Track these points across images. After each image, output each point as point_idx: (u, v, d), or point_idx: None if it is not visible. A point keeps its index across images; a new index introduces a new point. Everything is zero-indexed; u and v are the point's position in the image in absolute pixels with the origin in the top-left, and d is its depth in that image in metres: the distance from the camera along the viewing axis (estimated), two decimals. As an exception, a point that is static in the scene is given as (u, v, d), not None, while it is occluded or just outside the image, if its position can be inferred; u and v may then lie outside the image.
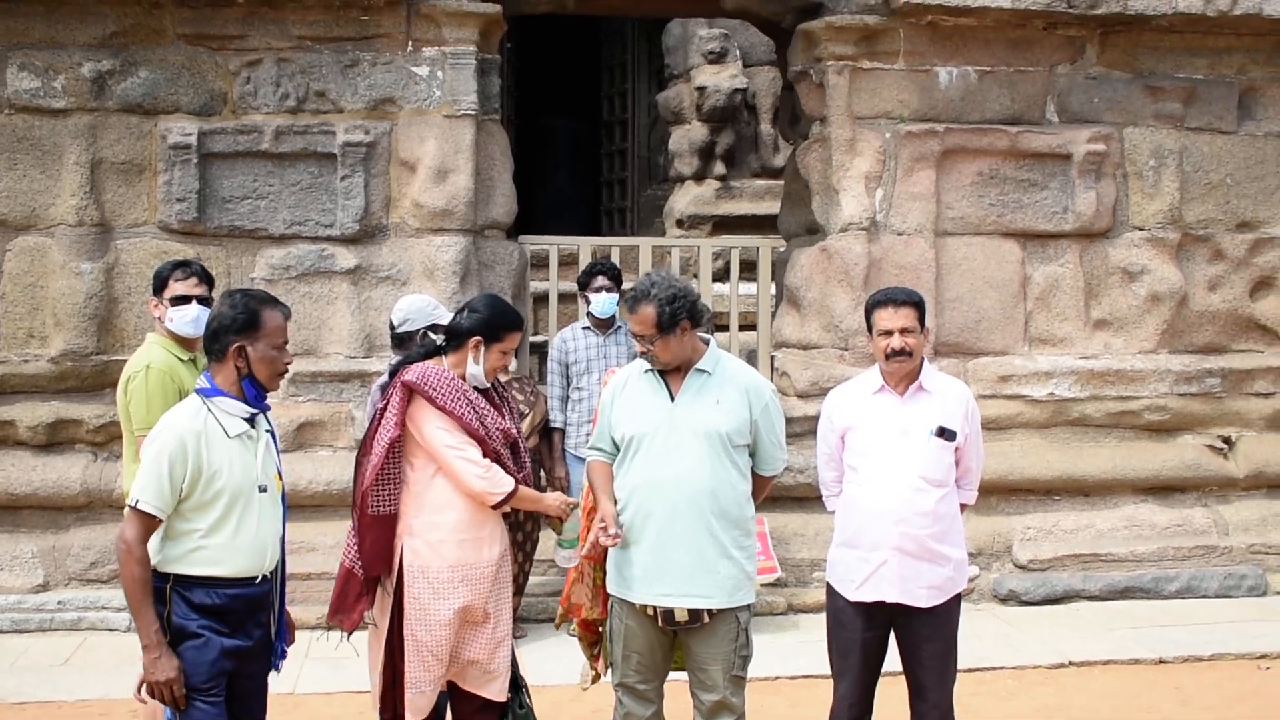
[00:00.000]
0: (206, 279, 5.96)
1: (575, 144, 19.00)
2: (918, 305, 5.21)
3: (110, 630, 8.29)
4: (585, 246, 10.44)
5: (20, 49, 8.79)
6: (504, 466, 5.03)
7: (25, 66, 8.79)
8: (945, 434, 5.14)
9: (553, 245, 10.58)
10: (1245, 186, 9.98)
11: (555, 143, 18.95)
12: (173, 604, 4.38)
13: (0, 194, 8.81)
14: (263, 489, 4.51)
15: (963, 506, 5.33)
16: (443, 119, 9.01)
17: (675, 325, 4.98)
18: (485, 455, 4.99)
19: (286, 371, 4.61)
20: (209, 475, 4.37)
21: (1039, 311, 9.75)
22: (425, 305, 6.74)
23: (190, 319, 5.72)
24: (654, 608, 5.02)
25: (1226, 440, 9.91)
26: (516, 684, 5.26)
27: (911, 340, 5.12)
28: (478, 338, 5.05)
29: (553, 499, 5.37)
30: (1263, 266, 10.04)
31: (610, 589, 5.20)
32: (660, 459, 5.00)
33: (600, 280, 8.47)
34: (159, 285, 5.88)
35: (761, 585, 6.26)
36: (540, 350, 11.10)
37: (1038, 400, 9.61)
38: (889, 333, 5.14)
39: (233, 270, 8.99)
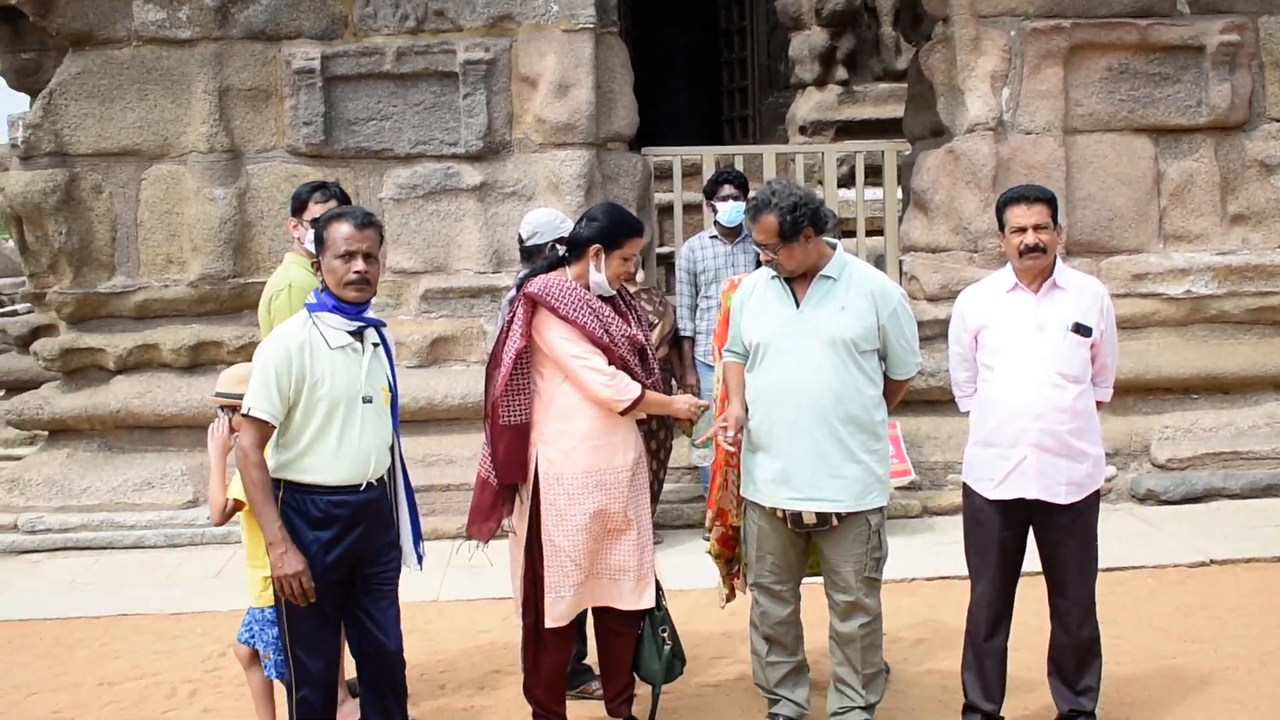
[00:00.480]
0: (344, 200, 6.05)
1: (694, 54, 18.85)
2: (1050, 201, 5.12)
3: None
4: (708, 156, 10.40)
5: (146, -19, 8.95)
6: (631, 373, 5.05)
7: (151, -2, 8.94)
8: (1081, 330, 5.08)
9: (676, 156, 10.56)
10: (1387, 70, 9.63)
11: (674, 54, 18.82)
12: (283, 512, 4.55)
13: (132, 124, 9.02)
14: (367, 399, 4.62)
15: (1098, 404, 5.26)
16: (561, 33, 9.02)
17: (798, 233, 4.95)
18: (611, 363, 5.01)
19: (357, 279, 4.58)
20: (311, 383, 4.52)
21: (1173, 208, 9.54)
22: (553, 219, 6.76)
23: None
24: (783, 511, 5.05)
25: (1369, 332, 9.65)
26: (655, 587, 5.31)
27: (1045, 236, 5.05)
28: (597, 245, 5.06)
29: (682, 401, 5.36)
30: (1405, 153, 9.70)
31: (743, 492, 5.24)
32: (785, 365, 5.01)
33: (727, 189, 8.42)
34: (298, 207, 5.97)
35: (895, 489, 6.25)
36: (667, 261, 11.12)
37: (1174, 298, 9.43)
38: (1022, 229, 5.06)
39: (361, 191, 9.12)
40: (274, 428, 4.54)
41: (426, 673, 6.21)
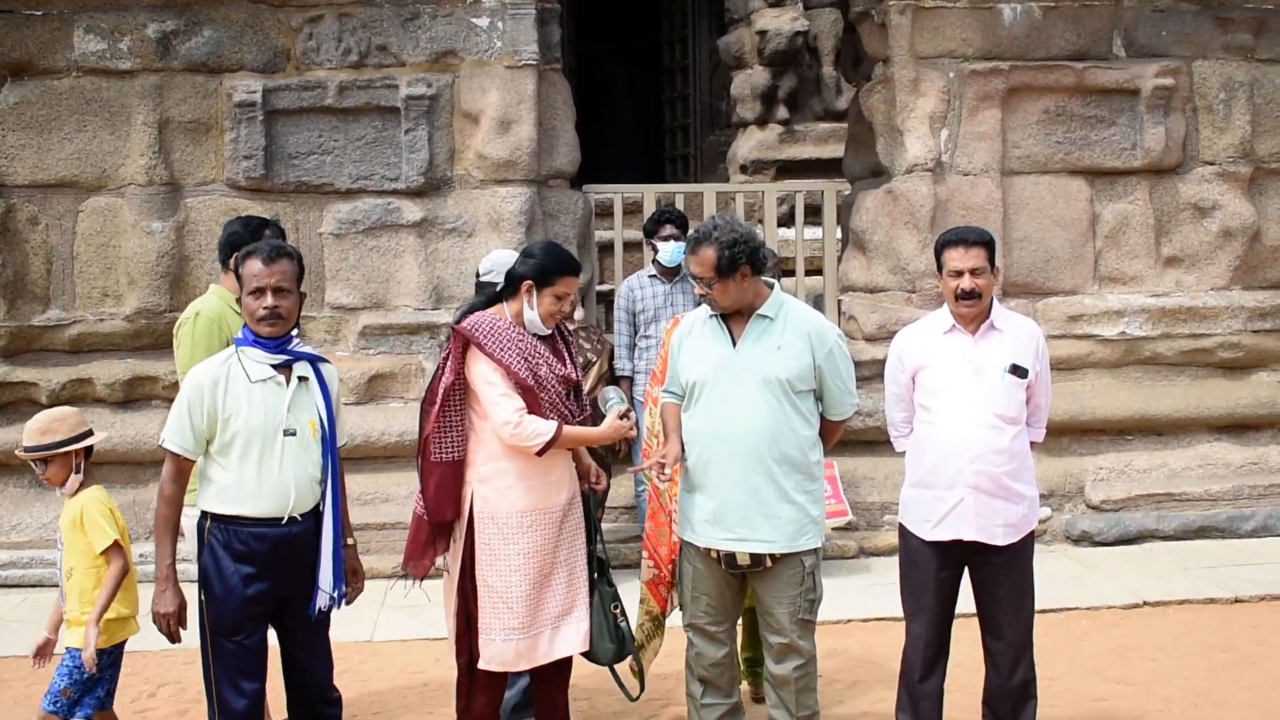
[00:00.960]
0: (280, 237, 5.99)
1: (636, 91, 18.92)
2: (988, 245, 5.18)
3: (191, 582, 8.41)
4: (649, 194, 10.43)
5: (86, 11, 8.89)
6: (562, 413, 5.02)
7: (91, 29, 8.88)
8: (1018, 371, 5.12)
9: (617, 194, 10.57)
10: (1319, 118, 9.80)
11: (616, 90, 18.88)
12: (208, 543, 4.66)
13: (71, 155, 8.93)
14: (290, 433, 4.65)
15: (1032, 444, 5.30)
16: (504, 70, 9.02)
17: (735, 270, 4.95)
18: (536, 404, 4.98)
19: (267, 314, 4.61)
20: (225, 417, 4.60)
21: (1108, 250, 9.64)
22: (511, 258, 6.75)
23: None
24: (717, 551, 5.04)
25: (1303, 377, 9.79)
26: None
27: (981, 281, 5.10)
28: (529, 282, 5.06)
29: (603, 427, 5.18)
30: (1338, 200, 9.87)
31: (678, 531, 5.24)
32: (721, 405, 5.00)
33: (668, 229, 8.43)
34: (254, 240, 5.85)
35: (832, 529, 6.26)
36: (607, 299, 11.11)
37: (1109, 339, 9.52)
38: (959, 273, 5.11)
39: (300, 225, 9.07)
40: (190, 460, 4.63)
41: (359, 714, 6.15)
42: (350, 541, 5.02)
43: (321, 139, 9.06)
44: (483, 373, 4.97)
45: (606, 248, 11.51)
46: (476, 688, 5.09)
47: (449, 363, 5.02)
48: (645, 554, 5.80)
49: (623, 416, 5.15)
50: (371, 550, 8.32)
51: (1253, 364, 9.73)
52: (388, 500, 8.62)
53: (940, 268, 5.24)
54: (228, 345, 5.18)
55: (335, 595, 4.80)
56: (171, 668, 6.88)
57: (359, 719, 6.09)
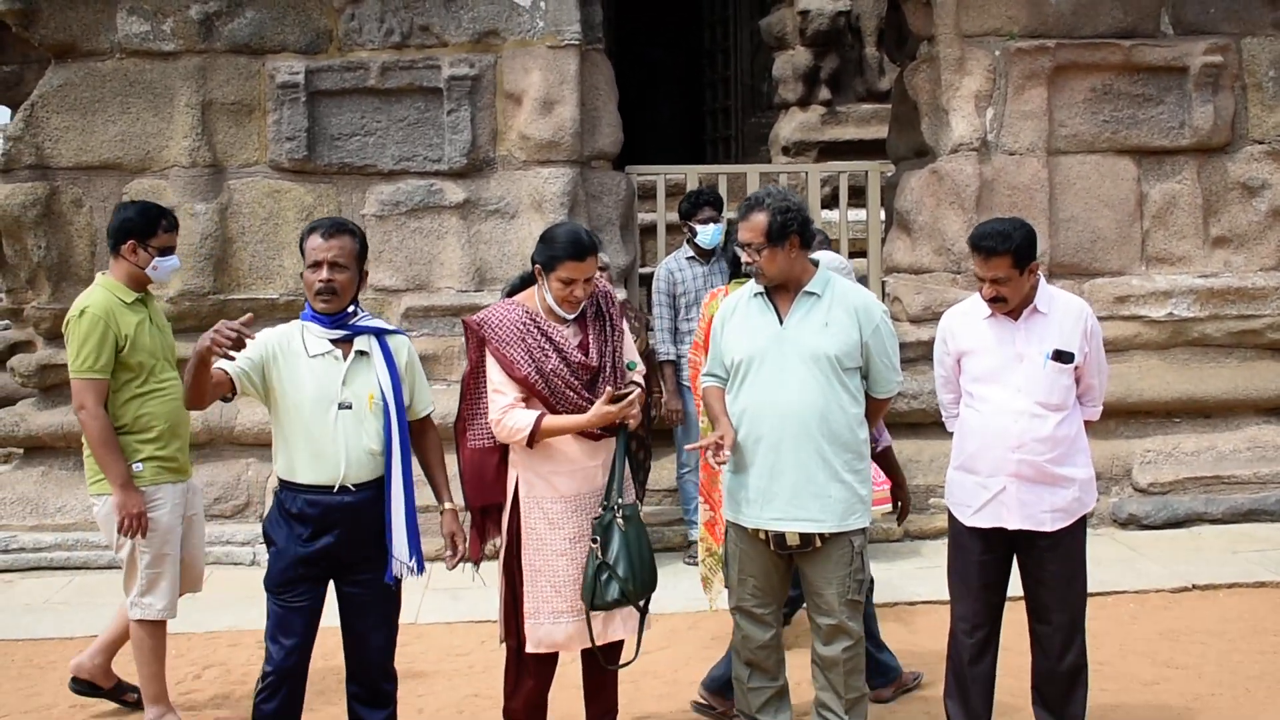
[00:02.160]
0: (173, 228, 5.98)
1: (678, 74, 18.86)
2: (1013, 252, 4.97)
3: (234, 564, 8.49)
4: (692, 175, 10.37)
5: (129, -7, 8.90)
6: (578, 404, 4.94)
7: (134, 10, 8.89)
8: (1062, 357, 5.01)
9: (660, 175, 10.52)
10: (1371, 95, 9.66)
11: (658, 73, 18.83)
12: (274, 502, 4.84)
13: (114, 138, 8.96)
14: (345, 406, 4.72)
15: (1087, 423, 5.21)
16: (546, 50, 8.99)
17: (785, 238, 4.92)
18: (540, 398, 4.92)
19: (324, 288, 4.69)
20: (280, 382, 4.72)
21: (1156, 230, 9.54)
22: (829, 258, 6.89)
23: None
24: (765, 532, 4.99)
25: (1352, 358, 9.67)
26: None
27: (1005, 290, 4.98)
28: (538, 266, 5.02)
29: (589, 414, 4.92)
30: (1389, 178, 9.74)
31: (724, 513, 5.19)
32: (769, 383, 4.95)
33: (706, 211, 8.38)
34: (147, 229, 5.77)
35: (882, 514, 6.26)
36: (649, 281, 11.07)
37: (1156, 320, 9.43)
38: (983, 280, 5.05)
39: (344, 207, 9.07)
40: (231, 383, 4.65)
41: (404, 695, 6.08)
42: (449, 506, 5.07)
43: (364, 120, 9.05)
44: (489, 365, 4.96)
45: (649, 230, 11.47)
46: (525, 671, 5.07)
47: (469, 352, 5.04)
48: (700, 499, 5.94)
49: (615, 400, 4.98)
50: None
51: (1303, 346, 9.62)
52: (431, 482, 8.60)
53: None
54: (117, 343, 5.51)
55: (412, 564, 4.84)
56: (217, 649, 6.92)
57: (404, 700, 6.05)
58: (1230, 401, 9.38)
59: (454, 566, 5.04)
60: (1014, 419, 5.00)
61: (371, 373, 4.79)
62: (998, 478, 5.03)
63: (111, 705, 6.14)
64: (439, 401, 8.74)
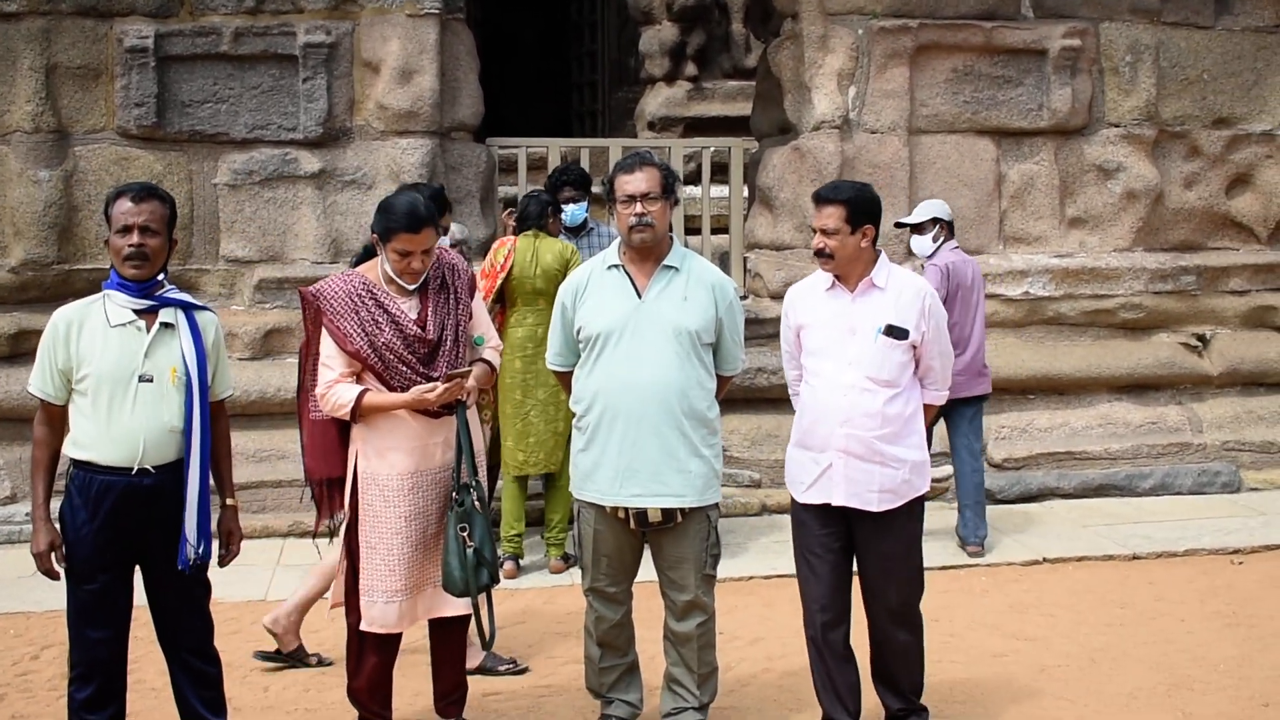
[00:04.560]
0: None
1: (544, 46, 18.74)
2: (847, 202, 4.94)
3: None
4: (554, 148, 10.30)
5: (-31, -50, 8.57)
6: (402, 376, 4.81)
7: (-25, -32, 8.56)
8: (895, 332, 4.92)
9: (521, 147, 10.43)
10: (1222, 82, 9.88)
11: (524, 45, 18.69)
12: (67, 488, 4.58)
13: (-47, 100, 8.63)
14: (145, 379, 4.52)
15: (932, 407, 5.16)
16: (406, 18, 8.84)
17: (671, 194, 4.95)
18: (372, 371, 4.81)
19: (133, 253, 4.48)
20: (79, 360, 4.51)
21: (1014, 210, 9.67)
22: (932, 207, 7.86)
23: None
24: (625, 510, 4.93)
25: (1201, 338, 9.90)
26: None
27: (833, 242, 4.91)
28: (375, 235, 4.91)
29: (408, 394, 4.81)
30: (1239, 163, 9.98)
31: (576, 493, 5.11)
32: (627, 357, 4.89)
33: (568, 191, 8.26)
34: None
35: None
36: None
37: (1012, 299, 9.56)
38: (815, 231, 5.00)
39: (194, 176, 8.86)
40: (58, 405, 4.55)
41: (250, 675, 5.99)
42: (230, 502, 4.86)
43: (216, 87, 8.82)
44: (323, 337, 4.85)
45: (512, 202, 11.35)
46: (367, 648, 4.94)
47: (305, 324, 4.92)
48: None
49: (449, 379, 4.86)
50: (267, 508, 8.20)
51: (1153, 325, 9.82)
52: (284, 457, 8.43)
53: None
54: None
55: (200, 550, 4.63)
56: (57, 629, 6.63)
57: (250, 680, 5.94)
58: (1083, 379, 9.54)
59: (225, 565, 4.86)
60: (843, 393, 4.92)
61: (176, 346, 4.59)
62: (827, 453, 4.95)
63: None
64: (292, 375, 8.61)
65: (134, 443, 4.48)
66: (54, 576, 4.58)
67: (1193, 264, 9.83)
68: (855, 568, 5.16)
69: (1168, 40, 9.75)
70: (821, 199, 4.99)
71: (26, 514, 8.18)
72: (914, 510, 5.06)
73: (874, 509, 4.94)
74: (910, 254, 8.41)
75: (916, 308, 4.98)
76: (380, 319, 4.82)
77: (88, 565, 4.54)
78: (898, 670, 5.15)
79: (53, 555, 4.53)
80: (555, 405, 7.36)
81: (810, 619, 5.17)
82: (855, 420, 4.90)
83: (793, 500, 5.19)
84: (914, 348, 4.98)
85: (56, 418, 4.59)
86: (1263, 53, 9.94)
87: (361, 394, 4.78)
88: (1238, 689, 5.79)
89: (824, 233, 4.93)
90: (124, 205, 4.51)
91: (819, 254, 4.97)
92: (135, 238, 4.48)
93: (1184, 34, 9.80)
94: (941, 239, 7.88)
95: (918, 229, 7.98)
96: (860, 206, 4.96)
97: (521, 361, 7.41)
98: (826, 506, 5.00)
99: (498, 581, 4.94)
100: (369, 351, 4.79)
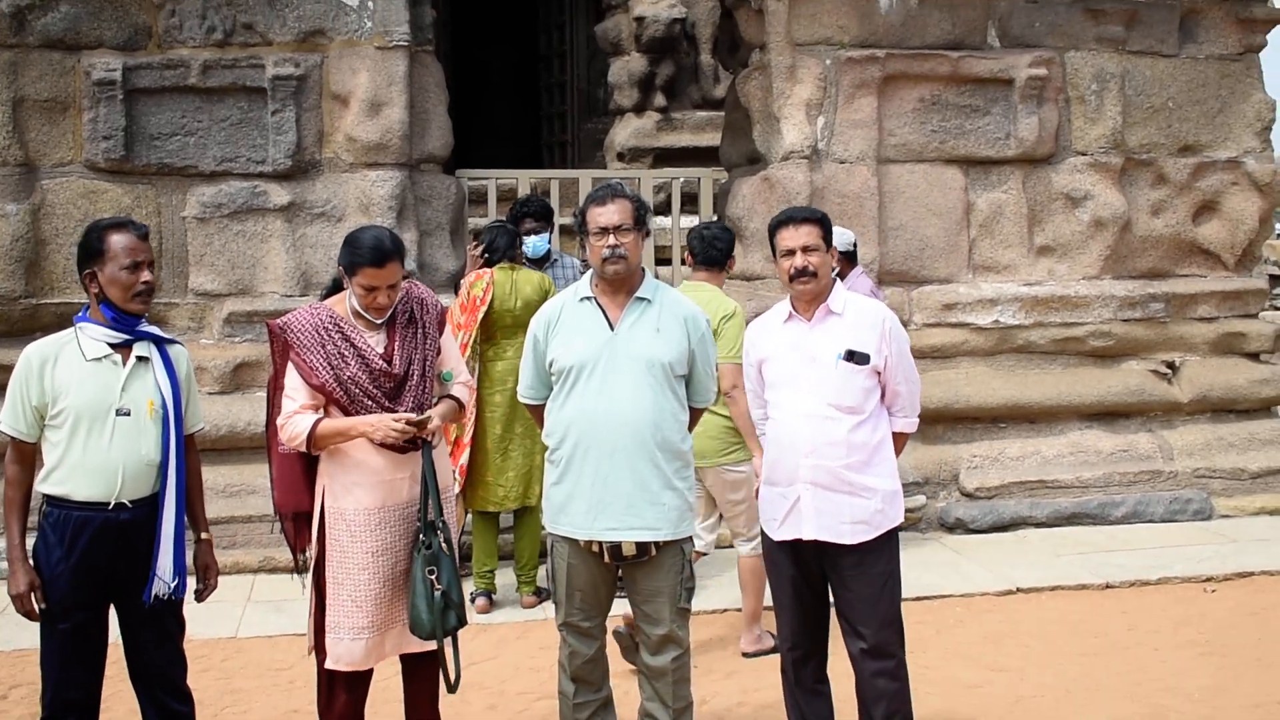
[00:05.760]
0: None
1: (515, 78, 18.75)
2: (820, 222, 4.95)
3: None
4: (524, 180, 10.28)
5: (-66, -17, 8.52)
6: (370, 409, 4.75)
7: (-60, 1, 8.51)
8: (855, 357, 4.84)
9: (491, 179, 10.42)
10: (1187, 110, 9.95)
11: (493, 76, 18.70)
12: (40, 524, 4.54)
13: (-81, 134, 8.56)
14: (123, 413, 4.52)
15: (901, 435, 5.07)
16: (375, 50, 8.81)
17: (642, 225, 4.93)
18: (337, 404, 4.77)
19: (145, 290, 4.55)
20: (54, 395, 4.49)
21: (982, 238, 9.70)
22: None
23: None
24: (599, 544, 4.90)
25: (1171, 365, 9.94)
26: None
27: (814, 259, 4.86)
28: (340, 269, 4.88)
29: (365, 420, 4.75)
30: (1205, 190, 10.04)
31: (549, 527, 5.08)
32: (600, 390, 4.86)
33: (529, 223, 8.25)
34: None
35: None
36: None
37: (982, 328, 9.58)
38: (791, 252, 4.89)
39: (163, 209, 8.80)
40: (30, 443, 4.54)
41: (220, 713, 5.94)
42: (205, 536, 4.85)
43: (185, 120, 8.77)
44: (289, 369, 4.82)
45: (479, 234, 11.33)
46: (337, 685, 4.88)
47: (273, 357, 4.88)
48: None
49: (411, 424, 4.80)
50: (237, 544, 8.12)
51: (1123, 352, 9.86)
52: (254, 492, 8.36)
53: (774, 252, 5.01)
54: None
55: (173, 585, 4.60)
56: (26, 668, 6.59)
57: (220, 718, 5.89)
58: (1054, 408, 9.56)
59: (204, 599, 4.85)
60: (805, 421, 4.85)
61: (151, 379, 4.60)
62: (794, 486, 4.87)
63: None
64: (261, 410, 8.55)
65: (112, 476, 4.47)
66: (34, 617, 4.51)
67: (1161, 291, 9.87)
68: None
69: (1133, 69, 9.82)
70: (797, 219, 4.95)
71: (-4, 552, 8.13)
72: (889, 543, 4.95)
73: (847, 541, 4.84)
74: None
75: (877, 331, 4.91)
76: (346, 353, 4.78)
77: (62, 604, 4.50)
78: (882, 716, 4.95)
79: (32, 595, 4.47)
80: (532, 439, 7.34)
81: (783, 654, 5.17)
82: (820, 450, 4.83)
83: (764, 539, 5.13)
84: (878, 373, 4.91)
85: (28, 455, 4.57)
86: (1226, 80, 10.02)
87: (317, 422, 4.75)
88: (1213, 718, 5.79)
89: (805, 251, 4.87)
90: (129, 241, 4.54)
91: (801, 274, 4.88)
92: (146, 274, 4.54)
93: (1149, 62, 9.87)
94: (837, 270, 7.82)
95: None
96: (829, 227, 4.99)
97: (501, 395, 7.39)
98: (798, 543, 4.92)
99: (464, 624, 4.89)
100: (334, 385, 4.75)
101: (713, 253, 6.87)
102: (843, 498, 4.83)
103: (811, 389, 4.87)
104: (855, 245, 7.99)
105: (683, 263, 10.87)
